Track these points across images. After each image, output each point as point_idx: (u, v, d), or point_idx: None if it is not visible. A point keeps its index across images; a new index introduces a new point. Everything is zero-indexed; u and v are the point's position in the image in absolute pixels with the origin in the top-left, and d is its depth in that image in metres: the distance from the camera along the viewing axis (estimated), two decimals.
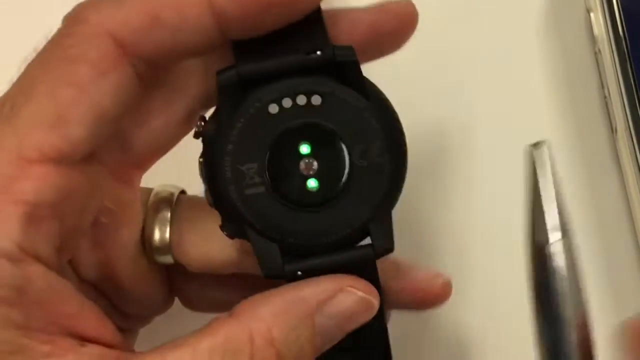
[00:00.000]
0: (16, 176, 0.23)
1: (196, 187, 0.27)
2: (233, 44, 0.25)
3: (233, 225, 0.25)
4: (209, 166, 0.25)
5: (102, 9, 0.24)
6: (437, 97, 0.36)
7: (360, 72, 0.25)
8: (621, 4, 0.33)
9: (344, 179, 0.25)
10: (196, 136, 0.25)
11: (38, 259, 0.23)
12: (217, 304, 0.31)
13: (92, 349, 0.23)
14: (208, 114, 0.26)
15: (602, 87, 0.34)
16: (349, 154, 0.25)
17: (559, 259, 0.24)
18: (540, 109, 0.36)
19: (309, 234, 0.25)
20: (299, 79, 0.25)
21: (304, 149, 0.25)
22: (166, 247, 0.28)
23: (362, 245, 0.25)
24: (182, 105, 0.27)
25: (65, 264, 0.26)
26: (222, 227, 0.26)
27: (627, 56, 0.33)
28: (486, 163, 0.35)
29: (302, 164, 0.25)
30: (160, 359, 0.23)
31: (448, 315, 0.34)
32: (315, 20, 0.25)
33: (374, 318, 0.26)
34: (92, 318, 0.24)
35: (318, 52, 0.24)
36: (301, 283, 0.25)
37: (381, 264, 0.26)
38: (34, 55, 0.24)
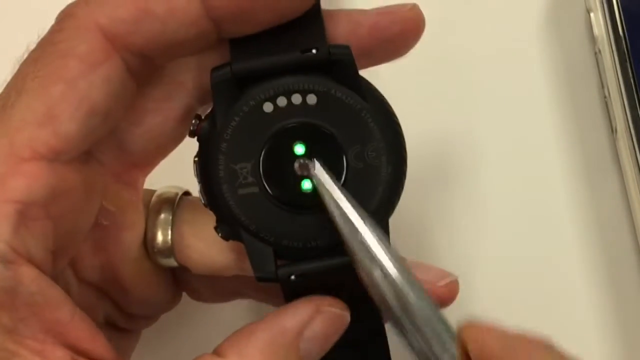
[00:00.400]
0: (7, 174, 0.22)
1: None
2: (230, 42, 0.25)
3: (227, 227, 0.25)
4: (203, 165, 0.25)
5: (90, 2, 0.24)
6: (436, 97, 0.36)
7: (357, 72, 0.24)
8: (621, 4, 0.33)
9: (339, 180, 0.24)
10: (191, 135, 0.25)
11: (30, 260, 0.22)
12: (226, 294, 0.30)
13: None
14: (205, 112, 0.26)
15: (602, 87, 0.34)
16: (345, 154, 0.24)
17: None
18: (541, 109, 0.35)
19: (303, 236, 0.24)
20: (294, 78, 0.24)
21: (299, 149, 0.24)
22: (168, 250, 0.27)
23: None
24: (179, 103, 0.26)
25: (61, 268, 0.25)
26: (216, 229, 0.25)
27: (627, 56, 0.33)
28: (486, 163, 0.35)
29: (296, 165, 0.24)
30: None
31: (448, 315, 0.34)
32: (313, 18, 0.25)
33: (373, 318, 0.25)
34: (84, 329, 0.23)
35: (314, 51, 0.24)
36: (281, 312, 0.24)
37: None
38: (27, 54, 0.24)
